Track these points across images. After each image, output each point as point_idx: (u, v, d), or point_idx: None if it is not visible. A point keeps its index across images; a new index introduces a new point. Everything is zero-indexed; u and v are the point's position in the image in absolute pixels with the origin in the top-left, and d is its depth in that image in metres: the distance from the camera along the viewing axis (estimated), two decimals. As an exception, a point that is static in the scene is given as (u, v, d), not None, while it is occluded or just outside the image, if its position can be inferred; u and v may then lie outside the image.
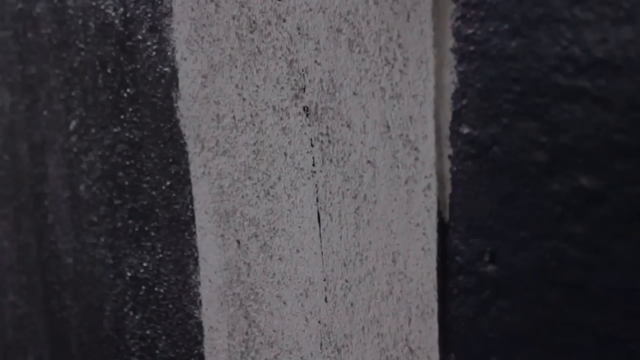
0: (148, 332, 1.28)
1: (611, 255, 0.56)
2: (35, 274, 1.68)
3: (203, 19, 0.99)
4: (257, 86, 0.91)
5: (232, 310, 1.03)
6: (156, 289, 1.23)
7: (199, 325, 1.12)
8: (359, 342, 0.80)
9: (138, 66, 1.17)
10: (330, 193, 0.81)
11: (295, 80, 0.84)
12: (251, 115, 0.93)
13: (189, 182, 1.08)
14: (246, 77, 0.92)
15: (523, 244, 0.62)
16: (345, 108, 0.77)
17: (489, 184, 0.64)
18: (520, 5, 0.59)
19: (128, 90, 1.21)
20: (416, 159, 0.70)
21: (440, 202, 0.68)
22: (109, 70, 1.25)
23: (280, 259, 0.92)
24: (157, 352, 1.26)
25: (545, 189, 0.59)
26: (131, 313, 1.32)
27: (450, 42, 0.65)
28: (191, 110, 1.04)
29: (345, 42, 0.75)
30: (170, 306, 1.20)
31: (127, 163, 1.24)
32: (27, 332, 1.78)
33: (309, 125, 0.83)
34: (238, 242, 1.00)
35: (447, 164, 0.67)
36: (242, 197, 0.97)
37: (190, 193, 1.08)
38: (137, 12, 1.14)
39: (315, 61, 0.80)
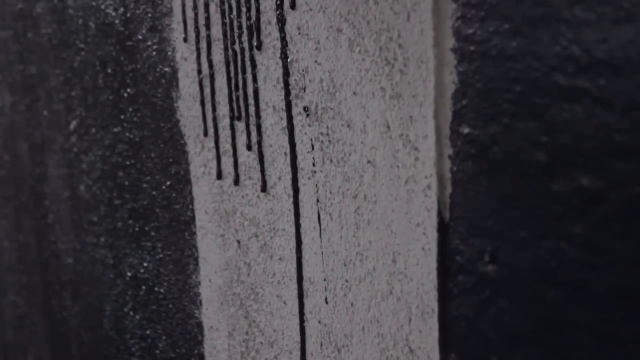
0: (148, 332, 1.28)
1: (611, 255, 0.56)
2: (35, 274, 1.68)
3: (203, 19, 0.99)
4: (257, 86, 0.91)
5: (232, 310, 1.03)
6: (156, 289, 1.23)
7: (199, 325, 1.13)
8: (359, 342, 0.80)
9: (138, 66, 1.17)
10: (331, 193, 0.81)
11: (295, 80, 0.84)
12: (251, 115, 0.93)
13: (189, 182, 1.08)
14: (246, 77, 0.92)
15: (523, 244, 0.62)
16: (345, 108, 0.77)
17: (489, 184, 0.64)
18: (520, 5, 0.59)
19: (128, 90, 1.21)
20: (416, 158, 0.70)
21: (440, 202, 0.68)
22: (109, 70, 1.25)
23: (280, 259, 0.92)
24: (157, 352, 1.26)
25: (545, 189, 0.59)
26: (131, 313, 1.32)
27: (451, 42, 0.65)
28: (191, 110, 1.04)
29: (345, 42, 0.75)
30: (171, 306, 1.20)
31: (127, 163, 1.24)
32: (27, 332, 1.78)
33: (309, 125, 0.83)
34: (238, 242, 1.00)
35: (447, 164, 0.67)
36: (242, 197, 0.97)
37: (190, 193, 1.08)
38: (137, 12, 1.14)
39: (315, 61, 0.80)
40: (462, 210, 0.67)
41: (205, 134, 1.01)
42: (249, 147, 0.93)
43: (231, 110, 0.96)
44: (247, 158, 0.95)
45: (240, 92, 0.93)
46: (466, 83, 0.64)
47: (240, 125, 0.95)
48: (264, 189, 0.92)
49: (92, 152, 1.35)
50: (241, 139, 0.95)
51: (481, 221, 0.65)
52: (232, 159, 0.98)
